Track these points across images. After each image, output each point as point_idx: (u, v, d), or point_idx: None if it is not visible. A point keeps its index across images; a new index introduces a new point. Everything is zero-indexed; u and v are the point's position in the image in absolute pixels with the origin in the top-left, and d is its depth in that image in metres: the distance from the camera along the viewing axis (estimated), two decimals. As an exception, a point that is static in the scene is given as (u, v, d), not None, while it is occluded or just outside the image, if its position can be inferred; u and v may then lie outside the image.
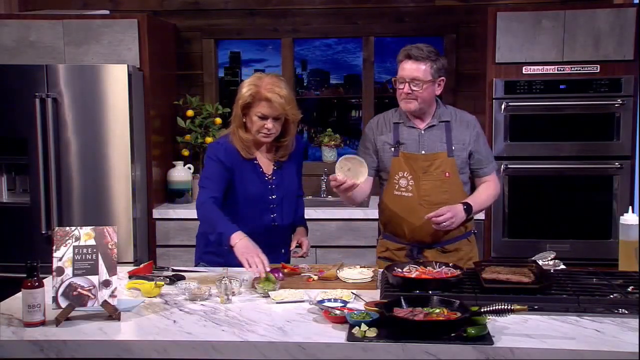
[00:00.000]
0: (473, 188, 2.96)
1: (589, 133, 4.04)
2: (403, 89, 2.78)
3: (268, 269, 2.44)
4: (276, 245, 2.83)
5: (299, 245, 2.87)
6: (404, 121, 2.87)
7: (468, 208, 2.78)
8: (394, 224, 2.89)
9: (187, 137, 4.59)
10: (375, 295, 2.36)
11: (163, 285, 2.46)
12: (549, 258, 2.65)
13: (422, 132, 2.85)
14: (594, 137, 4.04)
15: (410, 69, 2.76)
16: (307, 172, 4.48)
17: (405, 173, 2.83)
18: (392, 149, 2.86)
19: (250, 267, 2.42)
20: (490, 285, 2.24)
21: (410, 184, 2.82)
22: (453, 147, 2.84)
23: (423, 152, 2.83)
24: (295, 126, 2.84)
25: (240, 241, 2.50)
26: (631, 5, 3.99)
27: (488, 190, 2.93)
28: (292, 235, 2.92)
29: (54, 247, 2.19)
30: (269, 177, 2.82)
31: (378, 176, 2.97)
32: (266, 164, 2.84)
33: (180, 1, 4.78)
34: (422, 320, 1.95)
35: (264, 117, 2.69)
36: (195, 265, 2.91)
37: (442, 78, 2.82)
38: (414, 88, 2.75)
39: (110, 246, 2.21)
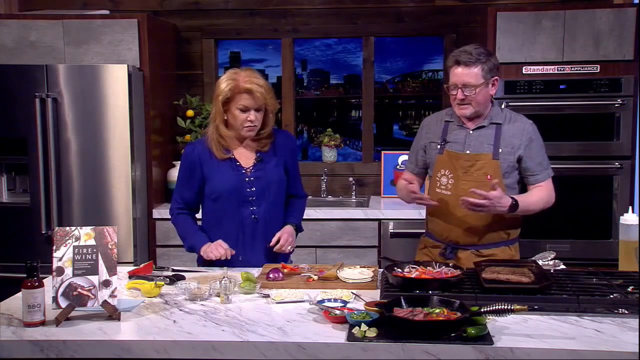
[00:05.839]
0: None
1: (589, 133, 4.03)
2: (456, 94, 2.73)
3: (227, 254, 2.68)
4: (259, 240, 2.83)
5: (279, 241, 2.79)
6: (455, 120, 2.84)
7: (515, 204, 2.68)
8: (433, 221, 2.89)
9: (187, 137, 4.59)
10: (375, 295, 2.36)
11: (163, 285, 2.47)
12: (549, 258, 2.65)
13: (470, 132, 2.80)
14: (593, 137, 4.03)
15: (461, 74, 2.70)
16: (307, 172, 4.51)
17: (447, 171, 2.80)
18: (439, 146, 2.84)
19: (214, 256, 2.69)
20: (490, 285, 2.24)
21: (450, 182, 2.78)
22: (500, 150, 2.76)
23: (468, 151, 2.78)
24: (274, 117, 2.85)
25: (207, 247, 2.75)
26: (631, 5, 3.98)
27: (540, 193, 2.81)
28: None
29: (54, 247, 2.19)
30: (247, 170, 2.81)
31: (427, 173, 3.00)
32: (245, 158, 2.82)
33: (180, 1, 4.78)
34: (422, 320, 1.95)
35: (245, 110, 2.71)
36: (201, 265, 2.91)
37: (496, 78, 2.76)
38: (467, 93, 2.70)
39: (110, 246, 2.21)
